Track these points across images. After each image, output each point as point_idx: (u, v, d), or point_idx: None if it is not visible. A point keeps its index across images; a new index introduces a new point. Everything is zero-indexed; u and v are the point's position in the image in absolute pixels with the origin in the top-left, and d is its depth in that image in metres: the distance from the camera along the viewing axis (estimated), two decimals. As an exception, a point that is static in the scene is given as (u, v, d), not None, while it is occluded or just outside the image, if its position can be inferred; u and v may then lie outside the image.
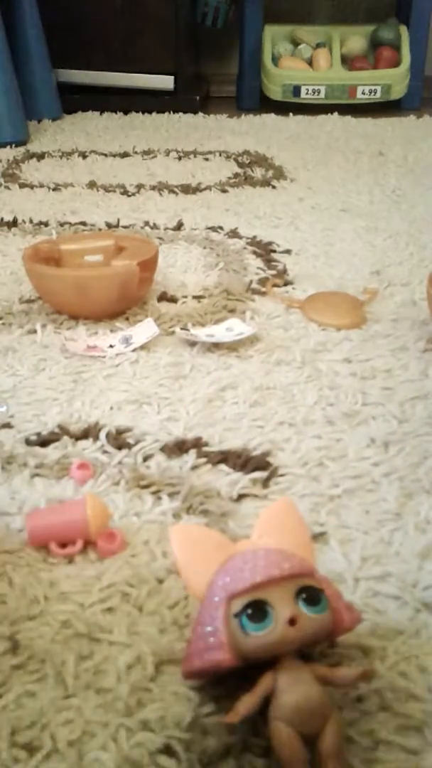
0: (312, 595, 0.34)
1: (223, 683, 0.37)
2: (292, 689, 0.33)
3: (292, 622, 0.33)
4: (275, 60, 2.05)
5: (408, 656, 0.39)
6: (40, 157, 1.51)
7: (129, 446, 0.57)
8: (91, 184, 1.30)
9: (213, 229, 1.07)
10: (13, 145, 1.61)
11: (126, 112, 1.96)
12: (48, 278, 0.77)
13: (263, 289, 0.86)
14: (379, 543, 0.47)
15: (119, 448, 0.57)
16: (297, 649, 0.34)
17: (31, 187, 1.30)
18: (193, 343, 0.73)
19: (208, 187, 1.28)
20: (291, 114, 1.94)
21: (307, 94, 2.00)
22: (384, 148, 1.58)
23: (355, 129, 1.78)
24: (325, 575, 0.37)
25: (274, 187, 1.30)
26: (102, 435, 0.58)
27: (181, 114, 1.96)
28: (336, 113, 1.93)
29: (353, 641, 0.39)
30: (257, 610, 0.34)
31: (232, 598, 0.35)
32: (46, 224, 1.10)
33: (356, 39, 2.06)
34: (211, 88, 2.28)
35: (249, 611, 0.34)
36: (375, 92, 2.00)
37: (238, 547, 0.39)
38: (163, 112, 1.97)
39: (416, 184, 1.32)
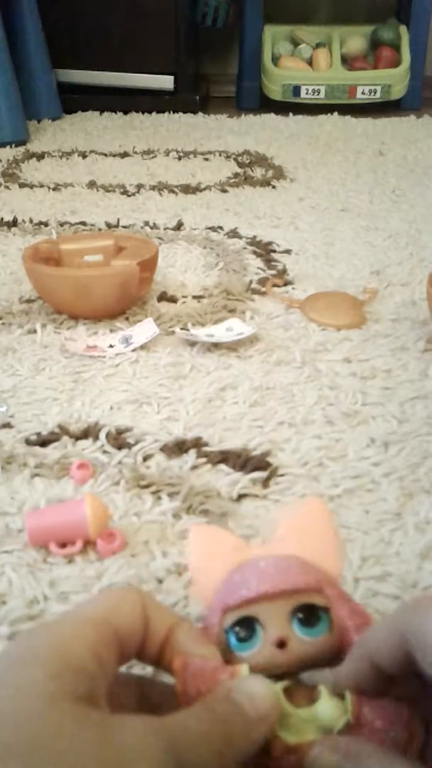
0: (309, 615, 0.31)
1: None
2: None
3: (280, 644, 0.30)
4: (275, 60, 2.05)
5: (408, 656, 0.39)
6: (40, 157, 1.51)
7: (129, 446, 0.57)
8: (91, 184, 1.30)
9: (213, 229, 1.07)
10: (13, 145, 1.61)
11: (126, 112, 1.96)
12: (48, 278, 0.77)
13: (263, 289, 0.86)
14: (379, 543, 0.47)
15: (119, 448, 0.57)
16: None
17: (31, 187, 1.30)
18: (193, 343, 0.73)
19: (208, 187, 1.28)
20: (291, 114, 1.94)
21: (307, 94, 2.00)
22: (384, 148, 1.58)
23: (355, 129, 1.78)
24: (344, 591, 0.34)
25: (274, 187, 1.30)
26: (102, 435, 0.58)
27: (181, 114, 1.96)
28: (336, 113, 1.93)
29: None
30: (245, 629, 0.31)
31: (225, 612, 0.33)
32: (46, 224, 1.10)
33: (356, 39, 2.06)
34: (211, 88, 2.28)
35: (237, 629, 0.31)
36: (375, 92, 1.99)
37: (252, 553, 0.36)
38: (163, 112, 1.97)
39: (416, 184, 1.32)
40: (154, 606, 0.30)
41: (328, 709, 0.29)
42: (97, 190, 1.28)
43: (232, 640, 0.31)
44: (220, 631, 0.32)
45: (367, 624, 0.32)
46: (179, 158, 1.50)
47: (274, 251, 0.99)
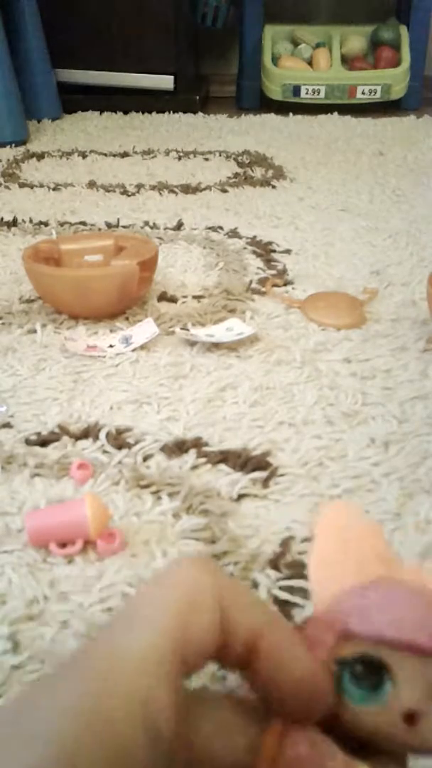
0: None
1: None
2: None
3: (410, 719, 0.22)
4: (275, 60, 2.05)
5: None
6: (40, 156, 1.51)
7: (129, 446, 0.57)
8: (91, 184, 1.30)
9: (213, 229, 1.07)
10: (13, 145, 1.61)
11: (126, 112, 1.96)
12: (48, 278, 0.77)
13: (263, 289, 0.86)
14: (379, 543, 0.47)
15: (119, 448, 0.57)
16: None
17: (31, 186, 1.30)
18: (193, 343, 0.73)
19: (208, 187, 1.28)
20: (291, 114, 1.94)
21: (307, 94, 2.00)
22: (384, 148, 1.58)
23: (355, 129, 1.78)
24: None
25: (274, 187, 1.30)
26: (102, 435, 0.58)
27: (181, 114, 1.96)
28: (336, 113, 1.93)
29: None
30: (370, 673, 0.23)
31: (346, 638, 0.23)
32: (46, 224, 1.10)
33: (356, 39, 2.06)
34: (211, 88, 2.28)
35: (359, 669, 0.23)
36: (375, 92, 1.99)
37: (400, 572, 0.25)
38: (163, 112, 1.97)
39: (416, 184, 1.32)
40: (233, 602, 0.22)
41: None
42: (97, 190, 1.27)
43: (348, 680, 0.23)
44: (329, 659, 0.23)
45: None
46: (179, 158, 1.50)
47: (274, 251, 0.99)
